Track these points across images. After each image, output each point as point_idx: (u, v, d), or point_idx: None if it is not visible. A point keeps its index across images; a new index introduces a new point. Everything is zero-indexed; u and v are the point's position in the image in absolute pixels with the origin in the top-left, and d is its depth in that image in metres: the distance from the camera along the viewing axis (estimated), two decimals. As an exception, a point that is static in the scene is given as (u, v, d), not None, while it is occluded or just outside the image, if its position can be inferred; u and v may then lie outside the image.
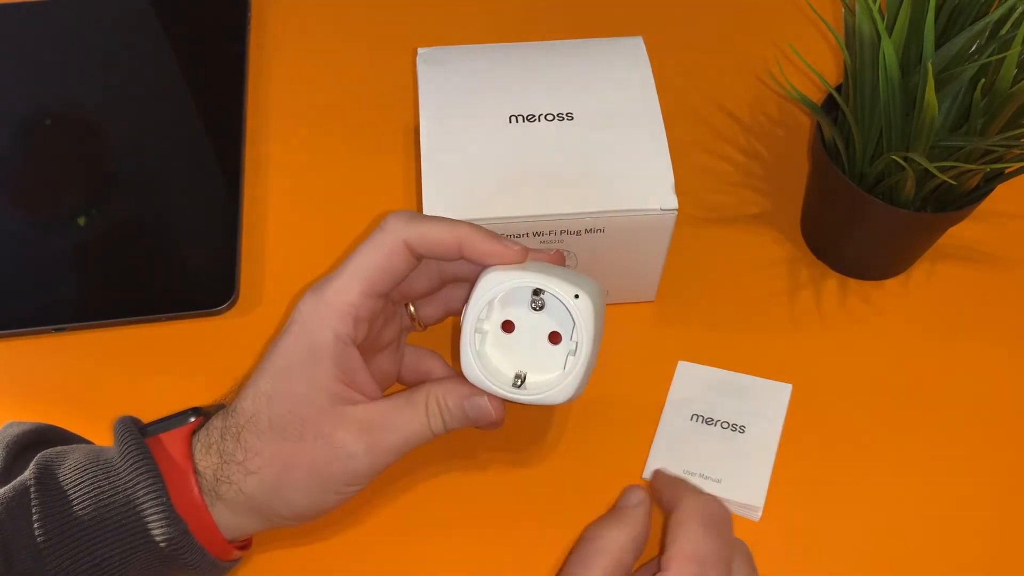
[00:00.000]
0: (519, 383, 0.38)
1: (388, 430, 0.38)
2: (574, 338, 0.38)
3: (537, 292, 0.38)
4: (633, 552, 0.36)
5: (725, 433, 0.46)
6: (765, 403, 0.47)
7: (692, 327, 0.50)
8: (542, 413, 0.47)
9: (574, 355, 0.38)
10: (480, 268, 0.39)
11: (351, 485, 0.38)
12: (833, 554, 0.44)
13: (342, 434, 0.37)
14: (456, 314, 0.44)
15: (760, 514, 0.44)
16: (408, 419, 0.38)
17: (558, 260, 0.41)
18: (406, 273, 0.39)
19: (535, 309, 0.38)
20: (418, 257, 0.39)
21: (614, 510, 0.38)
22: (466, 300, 0.38)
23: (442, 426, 0.39)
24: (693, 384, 0.48)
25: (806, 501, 0.45)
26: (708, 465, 0.45)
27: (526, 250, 0.38)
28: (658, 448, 0.46)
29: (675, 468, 0.45)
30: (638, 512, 0.37)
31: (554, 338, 0.39)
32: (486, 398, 0.39)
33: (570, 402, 0.39)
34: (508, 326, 0.39)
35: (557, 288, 0.37)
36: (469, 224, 0.38)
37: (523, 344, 0.39)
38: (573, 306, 0.37)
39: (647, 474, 0.45)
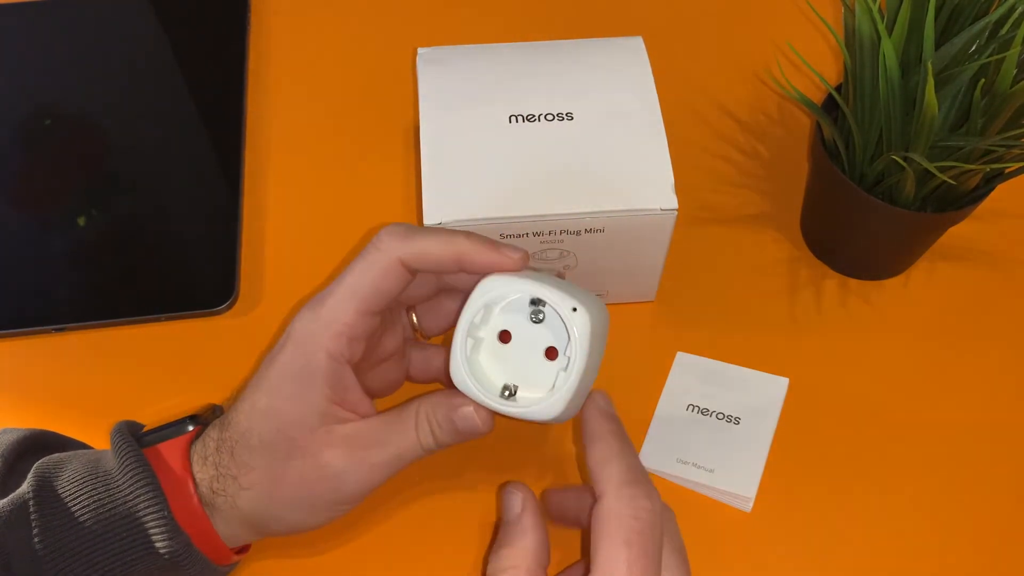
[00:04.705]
0: (508, 395, 0.36)
1: (376, 447, 0.38)
2: (567, 354, 0.36)
3: (537, 303, 0.36)
4: (538, 566, 0.34)
5: (720, 424, 0.46)
6: (762, 396, 0.47)
7: (692, 326, 0.50)
8: (537, 430, 0.46)
9: (565, 371, 0.36)
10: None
11: (341, 504, 0.38)
12: (823, 545, 0.44)
13: (329, 453, 0.37)
14: None
15: (752, 504, 0.44)
16: (397, 435, 0.38)
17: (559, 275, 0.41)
18: (401, 290, 0.38)
19: (534, 321, 0.37)
20: (413, 273, 0.38)
21: (500, 532, 0.36)
22: (461, 304, 0.37)
23: (432, 441, 0.38)
24: (690, 375, 0.48)
25: (798, 493, 0.45)
26: (701, 455, 0.45)
27: (526, 255, 0.37)
28: (652, 437, 0.46)
29: (669, 457, 0.45)
30: (524, 526, 0.35)
31: (551, 353, 0.37)
32: (472, 407, 0.37)
33: (560, 422, 0.37)
34: (505, 336, 0.38)
35: (555, 299, 0.35)
36: (466, 234, 0.37)
37: (518, 356, 0.37)
38: (569, 319, 0.35)
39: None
